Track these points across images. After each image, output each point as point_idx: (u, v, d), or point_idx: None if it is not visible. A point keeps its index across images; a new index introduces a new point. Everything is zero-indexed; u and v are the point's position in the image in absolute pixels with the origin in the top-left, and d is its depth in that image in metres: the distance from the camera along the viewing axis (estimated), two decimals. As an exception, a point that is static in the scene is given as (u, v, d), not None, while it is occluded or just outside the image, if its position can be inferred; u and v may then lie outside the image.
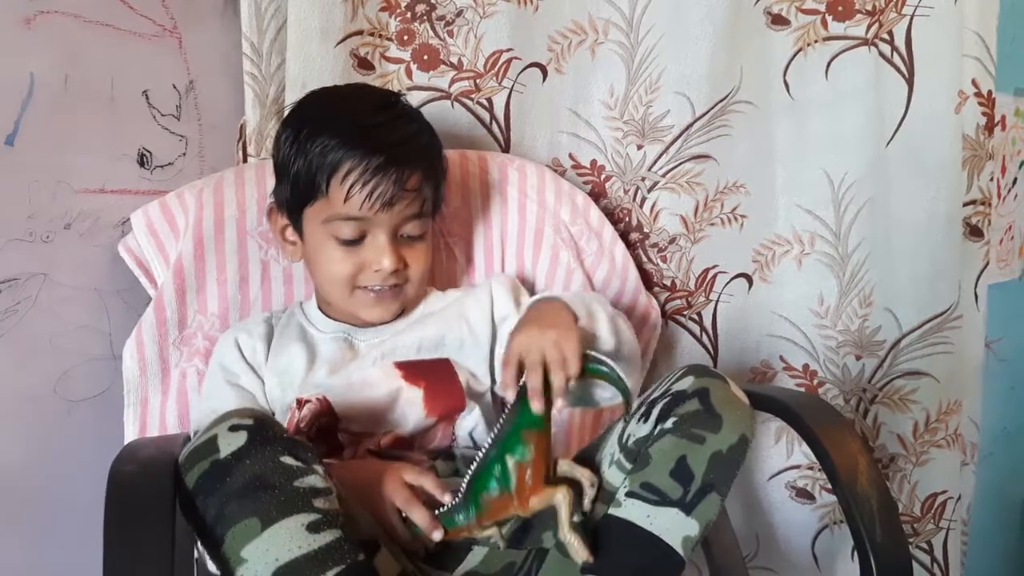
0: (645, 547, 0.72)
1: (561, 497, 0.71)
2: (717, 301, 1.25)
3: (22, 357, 0.95)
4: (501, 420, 0.73)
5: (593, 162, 1.20)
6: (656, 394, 0.77)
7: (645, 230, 1.21)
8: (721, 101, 1.18)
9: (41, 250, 0.95)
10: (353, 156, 0.84)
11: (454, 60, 1.13)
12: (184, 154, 1.04)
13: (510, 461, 0.71)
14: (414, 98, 1.12)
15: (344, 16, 1.06)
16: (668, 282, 1.22)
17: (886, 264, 1.24)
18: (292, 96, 1.03)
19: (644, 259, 1.21)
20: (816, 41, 1.20)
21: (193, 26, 1.03)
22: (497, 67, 1.14)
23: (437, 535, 0.72)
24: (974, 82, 1.19)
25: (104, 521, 0.62)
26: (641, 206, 1.21)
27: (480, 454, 0.73)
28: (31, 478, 0.97)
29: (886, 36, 1.19)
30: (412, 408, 0.87)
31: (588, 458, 0.80)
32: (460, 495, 0.72)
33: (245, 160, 1.06)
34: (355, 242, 0.88)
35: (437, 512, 0.73)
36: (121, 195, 1.00)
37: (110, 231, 0.99)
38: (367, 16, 1.09)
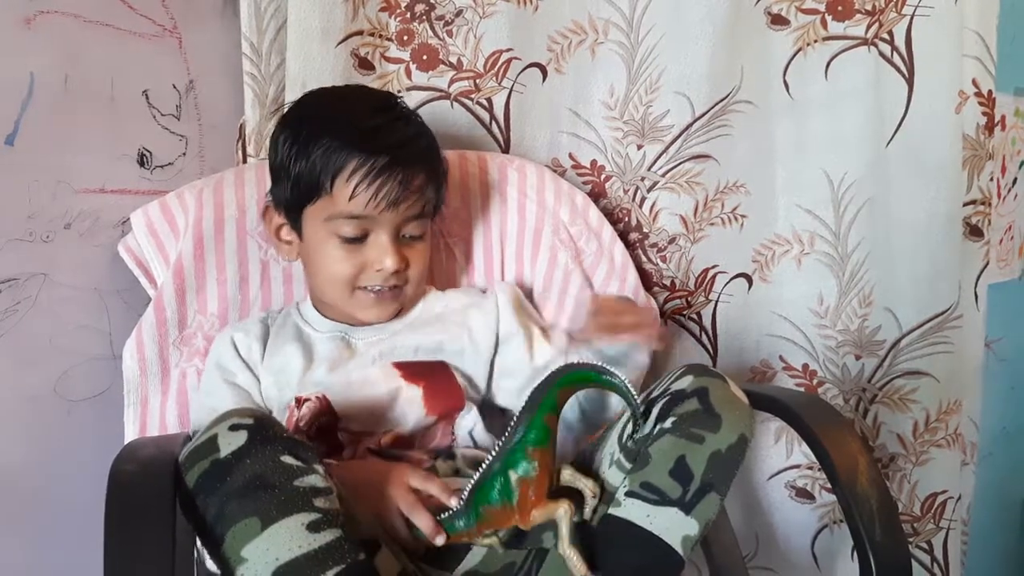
0: (645, 547, 0.71)
1: (563, 512, 0.71)
2: (717, 301, 1.25)
3: (22, 357, 0.95)
4: (507, 432, 0.73)
5: (593, 162, 1.20)
6: (655, 393, 0.77)
7: (645, 230, 1.21)
8: (721, 101, 1.18)
9: (41, 250, 0.95)
10: (358, 155, 0.85)
11: (454, 60, 1.13)
12: (184, 154, 1.04)
13: (513, 476, 0.72)
14: (414, 98, 1.12)
15: (344, 16, 1.06)
16: (667, 282, 1.22)
17: (886, 264, 1.24)
18: (292, 96, 1.03)
19: (644, 259, 1.21)
20: (816, 41, 1.20)
21: (193, 26, 1.03)
22: (497, 67, 1.14)
23: (440, 540, 0.73)
24: (974, 82, 1.19)
25: (105, 521, 0.62)
26: (641, 206, 1.21)
27: (485, 463, 0.73)
28: (31, 478, 0.97)
29: (886, 36, 1.19)
30: (412, 407, 0.87)
31: (588, 458, 0.80)
32: (462, 502, 0.73)
33: (245, 160, 1.06)
34: (357, 241, 0.88)
35: (439, 518, 0.73)
36: (121, 195, 1.00)
37: (110, 231, 0.99)
38: (367, 16, 1.10)
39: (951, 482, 1.30)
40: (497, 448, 0.73)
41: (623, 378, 0.71)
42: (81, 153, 0.97)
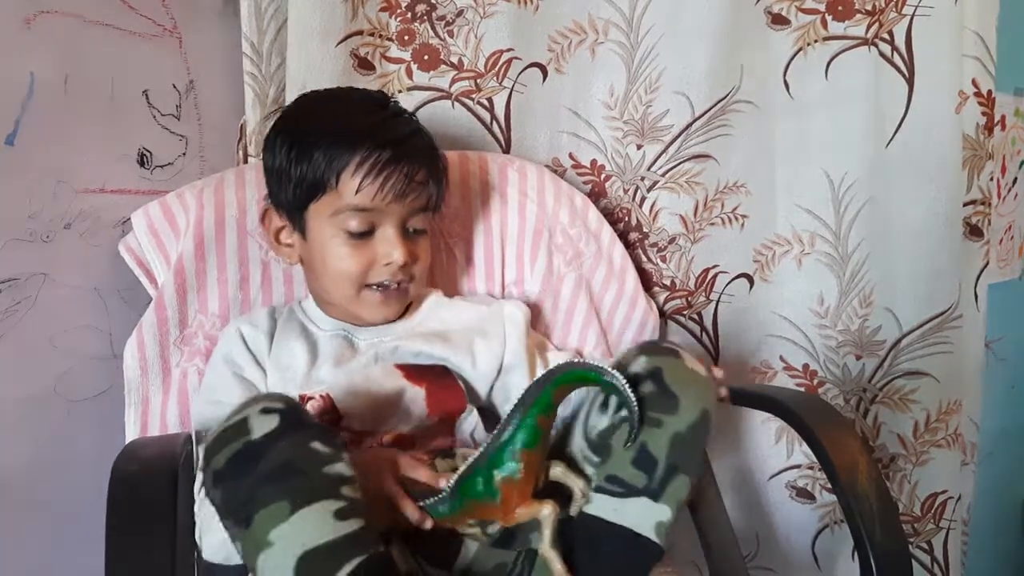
0: (616, 541, 0.71)
1: (547, 513, 0.70)
2: (718, 301, 1.25)
3: (22, 357, 0.95)
4: (497, 428, 0.72)
5: (593, 162, 1.20)
6: None
7: (645, 230, 1.21)
8: (721, 101, 1.18)
9: (41, 250, 0.95)
10: (363, 150, 0.85)
11: (454, 60, 1.13)
12: (184, 154, 1.04)
13: (497, 476, 0.70)
14: (414, 98, 1.12)
15: (344, 16, 1.06)
16: (668, 282, 1.22)
17: (886, 264, 1.24)
18: (292, 96, 1.03)
19: (644, 259, 1.21)
20: (816, 41, 1.20)
21: (193, 26, 1.03)
22: (497, 67, 1.14)
23: (427, 525, 0.73)
24: (974, 82, 1.19)
25: (106, 520, 0.62)
26: (641, 206, 1.21)
27: (473, 456, 0.72)
28: (31, 478, 0.97)
29: (886, 36, 1.19)
30: (415, 407, 0.87)
31: (562, 452, 0.79)
32: (447, 490, 0.72)
33: (245, 160, 1.06)
34: (363, 236, 0.88)
35: (423, 503, 0.73)
36: (121, 195, 1.00)
37: (110, 231, 0.99)
38: (367, 16, 1.10)
39: (951, 482, 1.30)
40: (486, 443, 0.72)
41: (622, 380, 0.69)
42: (81, 153, 0.97)
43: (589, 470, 0.76)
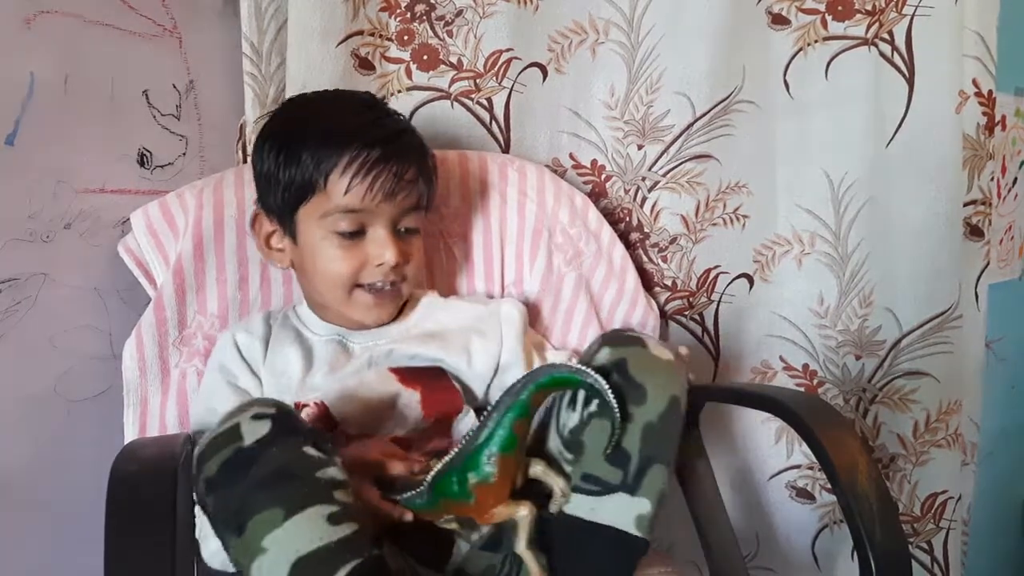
0: (596, 539, 0.71)
1: (523, 514, 0.70)
2: (719, 302, 1.25)
3: (22, 357, 0.95)
4: (474, 429, 0.71)
5: (594, 162, 1.20)
6: None
7: (645, 230, 1.21)
8: (722, 101, 1.18)
9: (41, 250, 0.95)
10: (351, 150, 0.85)
11: (454, 60, 1.13)
12: (184, 154, 1.04)
13: (471, 479, 0.70)
14: (414, 98, 1.12)
15: (344, 16, 1.06)
16: (669, 282, 1.22)
17: (886, 264, 1.23)
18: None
19: (644, 259, 1.21)
20: (816, 41, 1.20)
21: (193, 26, 1.03)
22: (497, 67, 1.14)
23: (407, 517, 0.73)
24: (974, 82, 1.19)
25: (105, 520, 0.62)
26: (642, 206, 1.21)
27: (450, 454, 0.71)
28: (31, 478, 0.97)
29: (886, 36, 1.19)
30: (410, 410, 0.87)
31: (541, 451, 0.79)
32: (425, 484, 0.72)
33: (245, 160, 1.06)
34: (354, 237, 0.87)
35: (401, 497, 0.73)
36: (121, 195, 1.00)
37: (110, 231, 0.99)
38: (367, 16, 1.10)
39: (951, 482, 1.30)
40: (464, 441, 0.71)
41: (604, 383, 0.68)
42: (81, 153, 0.97)
43: (568, 468, 0.76)
